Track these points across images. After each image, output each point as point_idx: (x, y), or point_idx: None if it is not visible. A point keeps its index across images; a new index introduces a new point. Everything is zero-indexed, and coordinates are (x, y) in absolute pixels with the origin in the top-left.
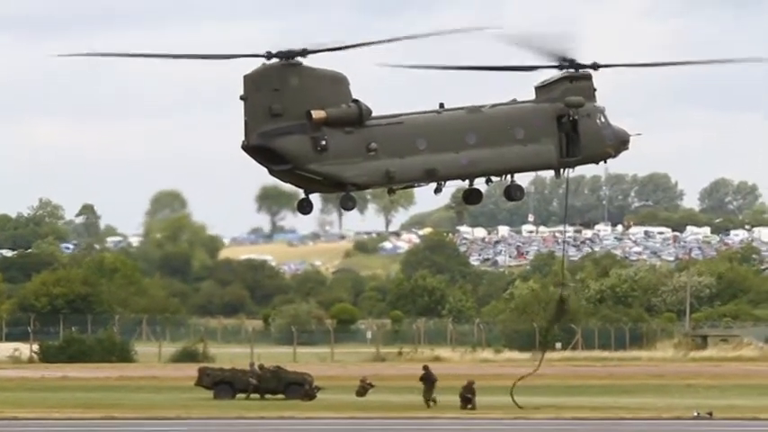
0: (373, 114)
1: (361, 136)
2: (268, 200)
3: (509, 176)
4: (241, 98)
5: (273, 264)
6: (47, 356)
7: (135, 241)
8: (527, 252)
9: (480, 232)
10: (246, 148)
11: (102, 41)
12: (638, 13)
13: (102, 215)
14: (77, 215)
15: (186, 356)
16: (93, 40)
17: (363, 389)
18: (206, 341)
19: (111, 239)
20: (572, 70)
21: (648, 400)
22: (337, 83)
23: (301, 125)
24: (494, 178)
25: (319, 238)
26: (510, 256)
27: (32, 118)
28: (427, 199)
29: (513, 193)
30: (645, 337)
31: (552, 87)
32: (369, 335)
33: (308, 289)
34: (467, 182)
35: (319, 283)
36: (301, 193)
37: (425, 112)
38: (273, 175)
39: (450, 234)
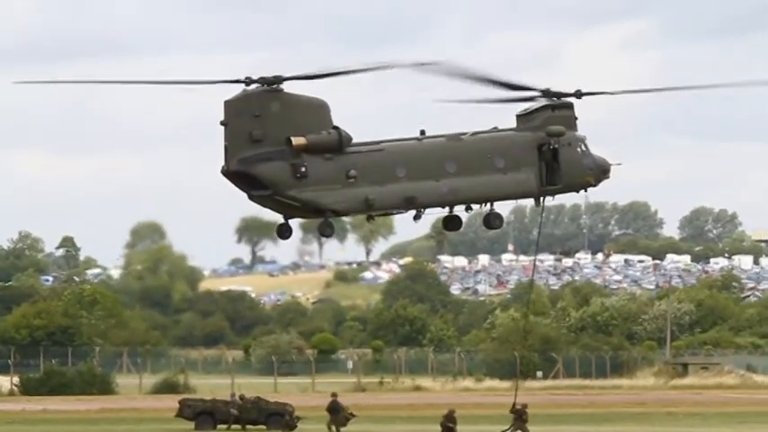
0: (353, 141)
1: (340, 163)
2: (248, 231)
3: (488, 204)
4: (221, 123)
5: (254, 295)
6: (27, 389)
7: (115, 273)
8: (507, 281)
9: (461, 261)
10: (226, 173)
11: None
12: (618, 44)
13: (81, 247)
14: (57, 247)
15: (167, 388)
16: (71, 69)
17: (345, 419)
18: (186, 372)
19: (90, 272)
20: (554, 99)
21: (630, 428)
22: (318, 109)
23: (281, 151)
24: (474, 206)
25: (299, 269)
26: (490, 285)
27: (11, 150)
28: (407, 228)
29: (492, 221)
30: (625, 365)
31: (533, 116)
32: (350, 365)
33: (289, 319)
34: (447, 209)
35: (300, 313)
36: (280, 219)
37: (405, 140)
38: (252, 200)
39: (430, 263)
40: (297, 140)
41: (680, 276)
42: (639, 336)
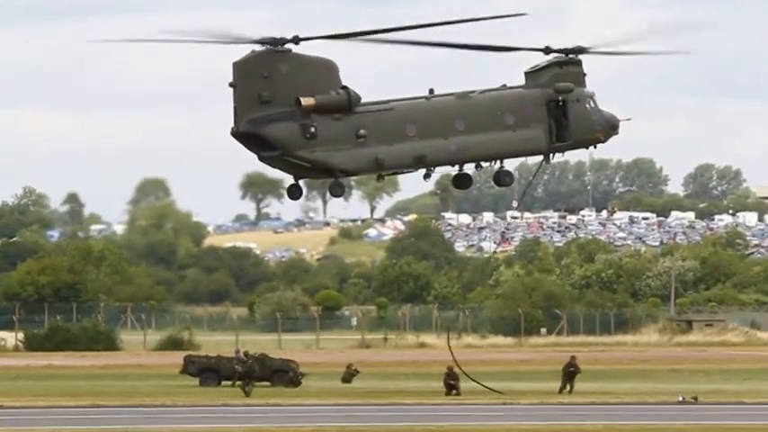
0: (362, 101)
1: (350, 123)
2: (253, 187)
3: (498, 162)
4: (230, 85)
5: (258, 251)
6: (32, 345)
7: (119, 229)
8: (512, 238)
9: (465, 218)
10: (236, 134)
11: (92, 27)
12: (625, 2)
13: (86, 203)
14: (62, 203)
15: (171, 344)
16: (84, 26)
17: (349, 375)
18: (191, 329)
19: (95, 227)
20: (562, 55)
21: (634, 385)
22: (326, 70)
23: (290, 112)
24: (483, 163)
25: (304, 226)
26: (495, 242)
27: (16, 106)
28: (412, 185)
29: (502, 178)
30: (630, 322)
31: (542, 73)
32: (354, 321)
33: (293, 276)
34: (456, 167)
35: (304, 270)
36: (290, 179)
37: (414, 99)
38: (262, 161)
39: (434, 220)
40: (306, 101)
41: (684, 233)
42: (644, 293)
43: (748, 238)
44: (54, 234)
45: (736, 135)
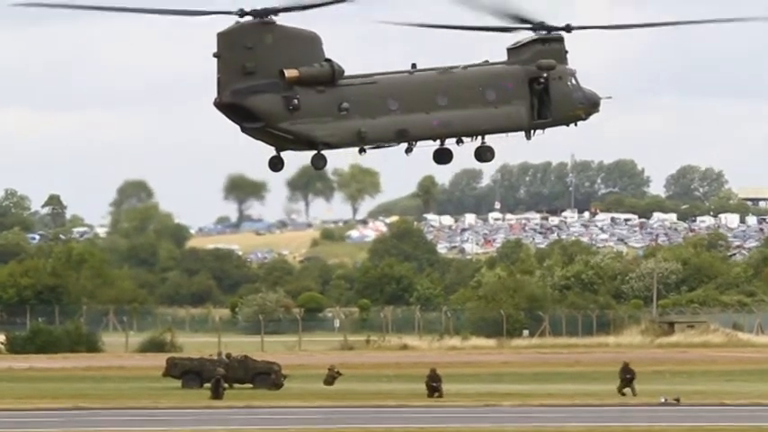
0: (345, 74)
1: (333, 95)
2: (235, 189)
3: (479, 138)
4: (214, 55)
5: (240, 253)
6: (14, 347)
7: (101, 232)
8: (494, 240)
9: (447, 220)
10: (219, 105)
11: (74, 27)
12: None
13: (68, 206)
14: (43, 205)
15: (154, 346)
16: (64, 26)
17: (331, 377)
18: (173, 331)
19: (77, 230)
20: (544, 32)
21: (616, 387)
22: (310, 42)
23: (274, 83)
24: (465, 139)
25: (286, 227)
26: (477, 244)
27: None
28: (394, 187)
29: (483, 154)
30: (612, 323)
31: (524, 49)
32: (336, 323)
33: (276, 278)
34: (438, 142)
35: (286, 271)
36: (271, 151)
37: (397, 73)
38: (245, 133)
39: (417, 222)
40: (289, 73)
41: (666, 235)
42: (626, 294)
43: (730, 239)
44: (35, 236)
45: (718, 136)
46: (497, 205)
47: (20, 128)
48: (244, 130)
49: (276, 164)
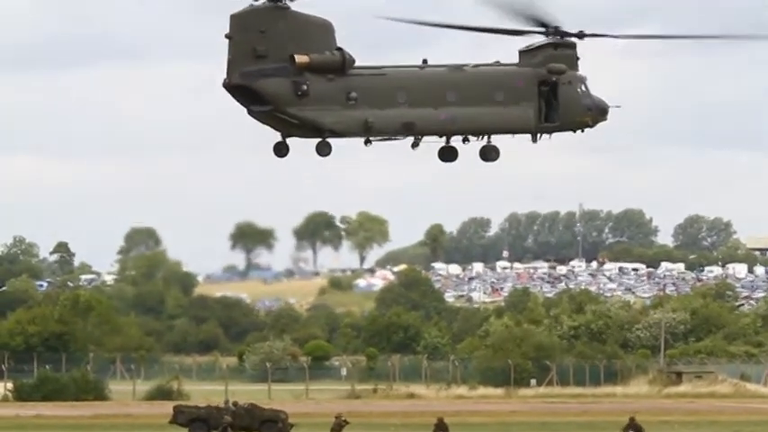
0: (356, 64)
1: (342, 84)
2: (243, 237)
3: (485, 137)
4: (226, 36)
5: (248, 301)
6: (21, 395)
7: (109, 279)
8: (502, 288)
9: (455, 269)
10: (228, 86)
11: (84, 74)
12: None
13: (76, 253)
14: (51, 252)
15: (161, 394)
16: (74, 73)
17: (339, 426)
18: (180, 379)
19: (85, 277)
20: (557, 37)
21: None
22: (323, 30)
23: (284, 68)
24: (471, 138)
25: (293, 276)
26: (485, 293)
27: (6, 153)
28: (402, 235)
29: (488, 154)
30: (620, 373)
31: (536, 53)
32: (344, 372)
33: (283, 326)
34: (444, 140)
35: (294, 319)
36: (277, 137)
37: (408, 67)
38: (252, 116)
39: (424, 271)
40: (300, 58)
41: (674, 284)
42: (633, 344)
43: (738, 289)
44: (43, 284)
45: (726, 186)
46: (505, 254)
47: (27, 174)
48: (251, 113)
49: (281, 149)
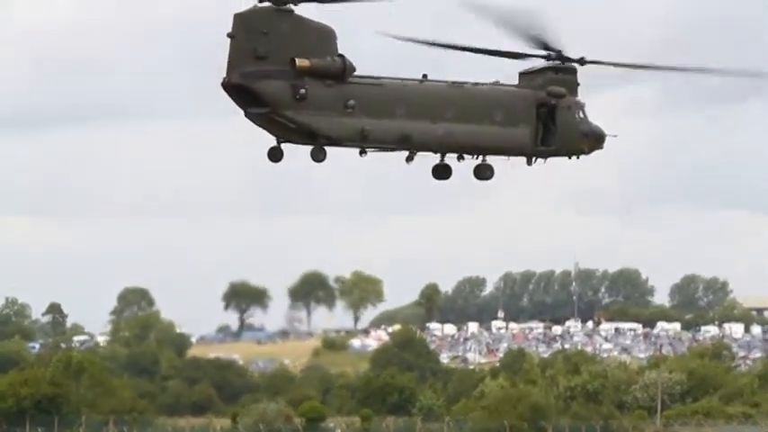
0: (356, 73)
1: (341, 91)
2: (237, 296)
3: (481, 156)
4: (228, 35)
5: (241, 362)
6: None
7: (102, 340)
8: (497, 349)
9: (450, 329)
10: (226, 85)
11: (75, 136)
12: (619, 110)
13: (68, 314)
14: (44, 314)
15: None
16: (66, 136)
17: None
18: None
19: (77, 338)
20: (559, 62)
21: None
22: (325, 36)
23: (284, 71)
24: (466, 156)
25: (288, 336)
26: (480, 353)
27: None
28: (396, 295)
29: (482, 172)
30: None
31: (537, 75)
32: None
33: (277, 387)
34: (438, 156)
35: (288, 380)
36: (272, 141)
37: (408, 80)
38: (248, 118)
39: (419, 331)
40: (300, 62)
41: (670, 344)
42: (630, 405)
43: (735, 349)
44: (35, 345)
45: (722, 246)
46: (500, 314)
47: (21, 236)
48: (247, 115)
49: (275, 154)
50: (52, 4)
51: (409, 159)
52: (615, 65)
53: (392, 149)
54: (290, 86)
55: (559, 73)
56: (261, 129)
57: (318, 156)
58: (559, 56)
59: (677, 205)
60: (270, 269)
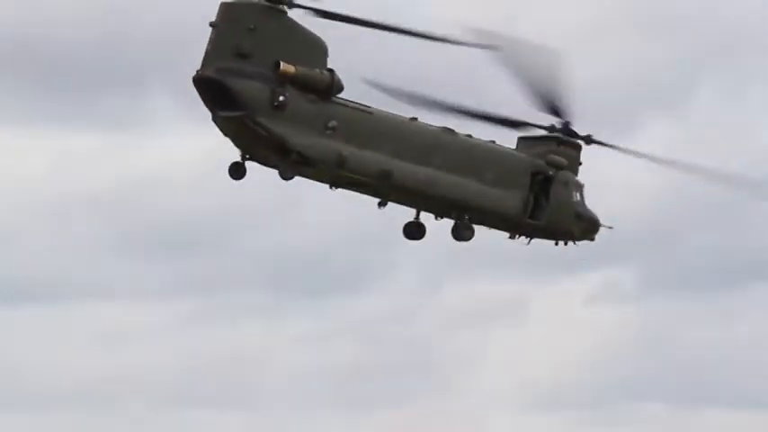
0: (344, 95)
1: (324, 109)
2: None
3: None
4: (211, 24)
5: None
6: None
7: None
8: None
9: None
10: (198, 79)
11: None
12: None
13: None
14: None
15: None
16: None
17: None
18: None
19: None
20: (564, 134)
21: None
22: (316, 47)
23: (265, 74)
24: (445, 216)
25: None
26: None
27: None
28: None
29: (461, 231)
30: None
31: (538, 143)
32: None
33: None
34: (414, 212)
35: None
36: (235, 156)
37: (398, 115)
38: (216, 122)
39: None
40: (285, 66)
41: None
42: None
43: None
44: None
45: None
46: None
47: None
48: (215, 118)
49: (237, 170)
50: None
51: (382, 205)
52: (621, 150)
53: (366, 185)
54: (269, 91)
55: (562, 146)
56: (226, 137)
57: (286, 173)
58: (566, 128)
59: (654, 403)
60: None
